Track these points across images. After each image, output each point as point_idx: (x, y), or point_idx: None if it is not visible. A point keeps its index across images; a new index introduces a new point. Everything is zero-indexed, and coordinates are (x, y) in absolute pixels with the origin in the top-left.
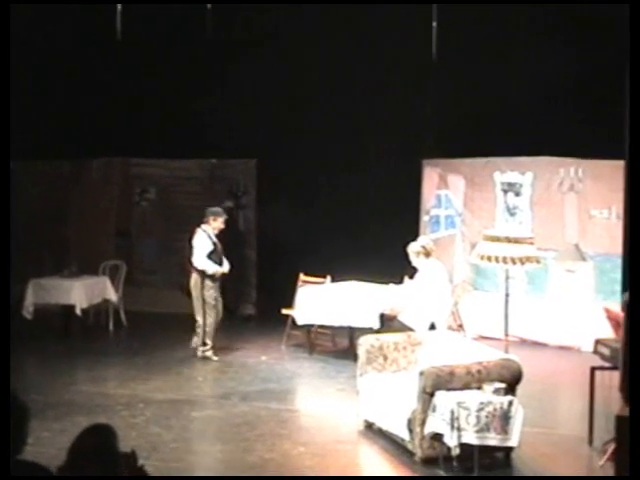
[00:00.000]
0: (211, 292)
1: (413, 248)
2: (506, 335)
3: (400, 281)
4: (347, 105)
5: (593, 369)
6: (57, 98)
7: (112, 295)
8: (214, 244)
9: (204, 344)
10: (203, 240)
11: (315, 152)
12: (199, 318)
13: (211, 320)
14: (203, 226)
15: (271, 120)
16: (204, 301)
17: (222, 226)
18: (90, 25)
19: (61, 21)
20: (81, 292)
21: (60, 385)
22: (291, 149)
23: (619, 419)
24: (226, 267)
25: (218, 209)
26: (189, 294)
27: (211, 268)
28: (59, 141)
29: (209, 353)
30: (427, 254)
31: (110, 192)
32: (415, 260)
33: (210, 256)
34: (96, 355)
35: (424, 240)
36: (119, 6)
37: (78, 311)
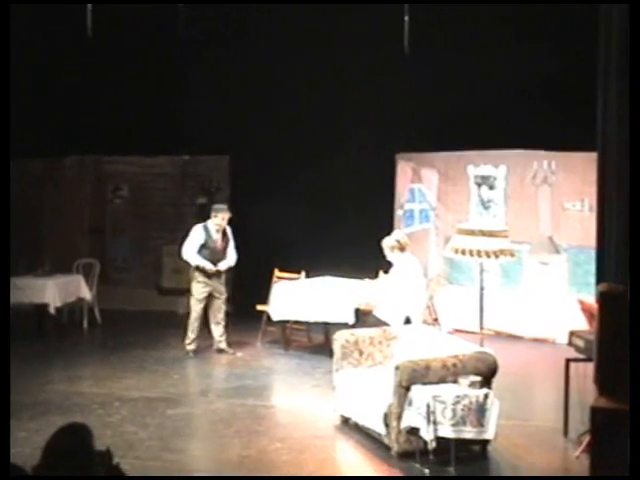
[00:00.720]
0: (198, 287)
1: (388, 243)
2: (481, 328)
3: (375, 276)
4: (320, 100)
5: (568, 361)
6: (28, 96)
7: (86, 293)
8: (208, 239)
9: (187, 337)
10: (196, 232)
11: (288, 148)
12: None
13: (195, 315)
14: (208, 221)
15: (244, 116)
16: (191, 294)
17: (222, 223)
18: (60, 22)
19: (30, 18)
20: (55, 291)
21: (35, 385)
22: (264, 145)
23: (594, 410)
24: (222, 266)
25: (220, 205)
26: (163, 292)
27: (194, 261)
28: (31, 139)
29: (190, 347)
30: (402, 248)
31: (83, 190)
32: (390, 255)
33: (201, 250)
34: (71, 354)
35: (398, 234)
36: (89, 5)
37: (52, 310)
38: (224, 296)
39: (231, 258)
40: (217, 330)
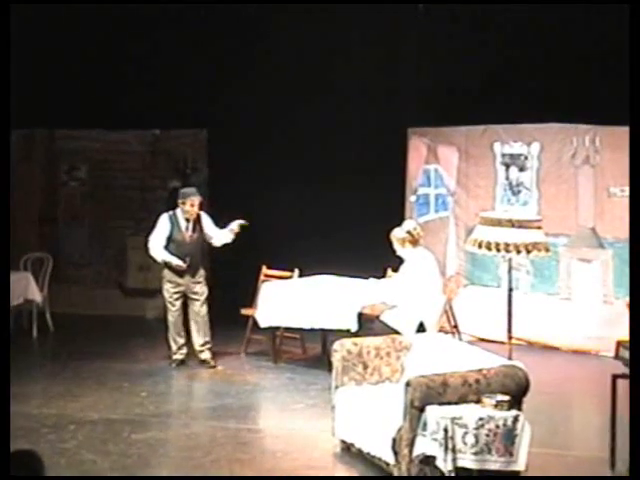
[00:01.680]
0: (168, 287)
1: (397, 235)
2: (509, 337)
3: (382, 274)
4: (317, 65)
5: (615, 377)
6: None
7: (36, 295)
8: (174, 230)
9: (170, 347)
10: (161, 223)
11: (278, 121)
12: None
13: (170, 320)
14: (177, 209)
15: (225, 82)
16: (163, 296)
17: (191, 210)
18: None
19: None
20: None
21: None
22: (250, 117)
23: None
24: (191, 262)
25: (187, 189)
26: (128, 292)
27: (159, 256)
28: None
29: (176, 356)
30: (414, 241)
31: (31, 171)
32: (400, 249)
33: (168, 244)
34: (16, 367)
35: (410, 225)
36: None
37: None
38: (203, 297)
39: (219, 237)
40: (197, 338)
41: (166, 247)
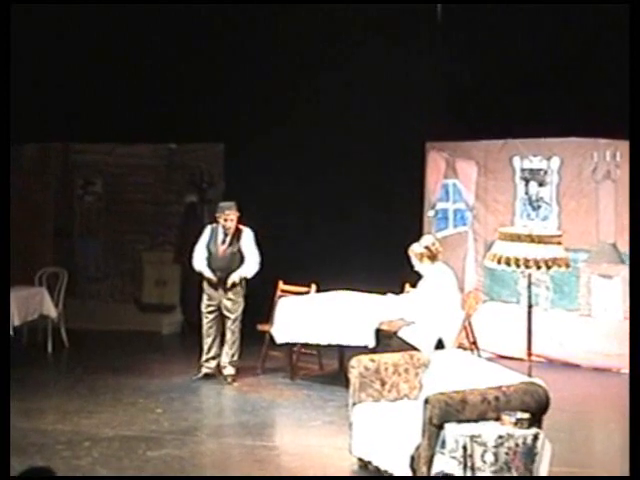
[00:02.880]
0: (203, 299)
1: (415, 250)
2: (529, 354)
3: (400, 290)
4: (335, 77)
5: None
6: None
7: (51, 310)
8: (210, 242)
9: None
10: (204, 233)
11: (296, 134)
12: None
13: (203, 332)
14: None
15: (242, 95)
16: None
17: (228, 225)
18: None
19: None
20: (13, 307)
21: None
22: (267, 131)
23: None
24: (234, 276)
25: (223, 204)
26: (144, 308)
27: (196, 266)
28: None
29: (202, 369)
30: (432, 257)
31: (47, 184)
32: (418, 264)
33: (208, 255)
34: (31, 383)
35: (428, 240)
36: None
37: (10, 330)
38: (235, 314)
39: (244, 269)
40: (224, 353)
41: (207, 258)
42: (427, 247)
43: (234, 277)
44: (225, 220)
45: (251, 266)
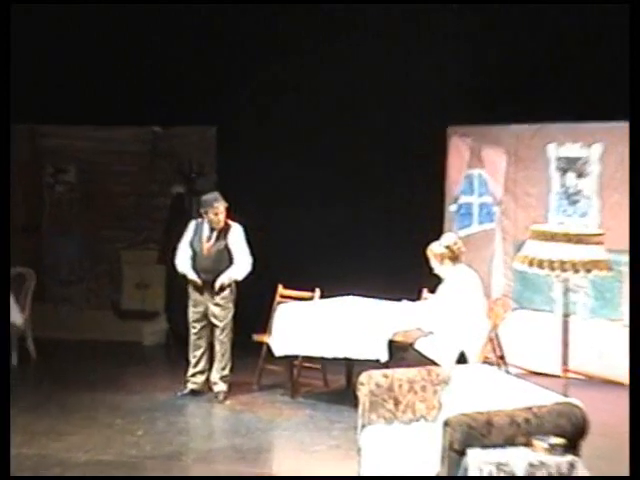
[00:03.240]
0: (189, 305)
1: (435, 250)
2: (565, 371)
3: (417, 296)
4: (341, 53)
5: None
6: None
7: (16, 317)
8: (194, 240)
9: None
10: (187, 230)
11: (299, 118)
12: None
13: (190, 342)
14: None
15: (238, 70)
16: None
17: (215, 219)
18: None
19: None
20: None
21: None
22: (266, 113)
23: None
24: (222, 278)
25: (208, 196)
26: (124, 314)
27: (179, 267)
28: None
29: (188, 384)
30: (454, 258)
31: (12, 173)
32: (438, 266)
33: (193, 255)
34: None
35: (450, 239)
36: None
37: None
38: (224, 322)
39: (234, 270)
40: (215, 369)
41: (192, 258)
42: (448, 247)
43: (222, 279)
44: (215, 214)
45: (241, 267)
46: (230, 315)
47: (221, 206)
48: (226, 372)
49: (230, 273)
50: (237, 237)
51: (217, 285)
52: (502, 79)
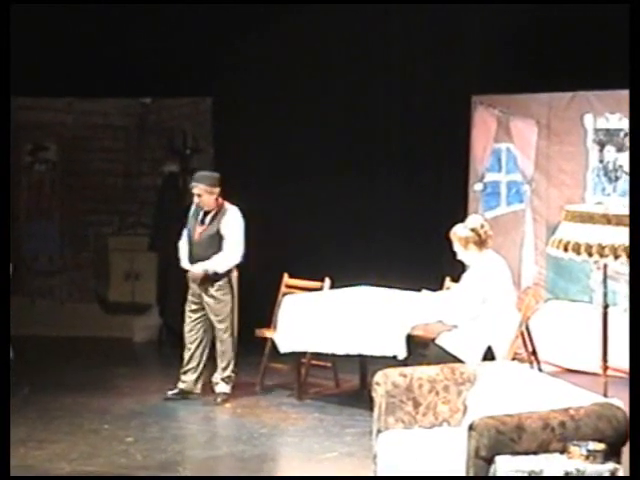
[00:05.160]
0: (187, 295)
1: (459, 233)
2: (605, 368)
3: (439, 286)
4: (353, 16)
5: None
6: None
7: None
8: (189, 222)
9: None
10: (189, 212)
11: (306, 87)
12: None
13: (185, 337)
14: None
15: (236, 34)
16: None
17: (199, 200)
18: None
19: None
20: None
21: None
22: (267, 82)
23: None
24: (197, 267)
25: (197, 174)
26: (111, 308)
27: (180, 256)
28: None
29: (179, 384)
30: (481, 243)
31: None
32: (462, 251)
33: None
34: None
35: (476, 221)
36: None
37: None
38: (221, 316)
39: (214, 260)
40: (218, 366)
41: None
42: (474, 230)
43: (197, 269)
44: (198, 195)
45: (224, 256)
46: (227, 309)
47: (196, 188)
48: (228, 372)
49: (207, 264)
50: (229, 222)
51: (191, 276)
52: (532, 42)
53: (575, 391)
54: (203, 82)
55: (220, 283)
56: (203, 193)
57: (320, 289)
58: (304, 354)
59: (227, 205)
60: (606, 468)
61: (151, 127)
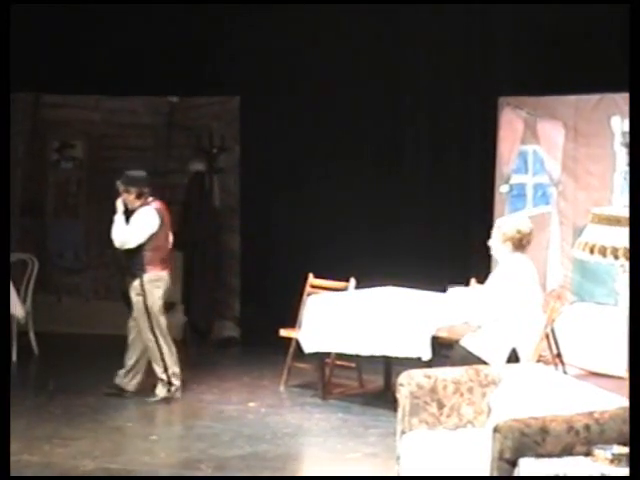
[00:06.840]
0: None
1: (504, 228)
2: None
3: (464, 286)
4: (379, 16)
5: None
6: None
7: (17, 308)
8: None
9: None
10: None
11: (333, 87)
12: None
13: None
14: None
15: (264, 34)
16: None
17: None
18: None
19: None
20: None
21: None
22: (296, 81)
23: None
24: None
25: (127, 173)
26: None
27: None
28: None
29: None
30: (518, 246)
31: (12, 147)
32: (498, 246)
33: None
34: None
35: (524, 224)
36: None
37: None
38: (136, 318)
39: (114, 229)
40: None
41: None
42: (520, 231)
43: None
44: (126, 198)
45: (119, 230)
46: (140, 303)
47: (119, 187)
48: (160, 375)
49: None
50: (134, 216)
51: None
52: (560, 43)
53: (600, 394)
54: (231, 81)
55: (134, 284)
56: (122, 192)
57: (345, 289)
58: (328, 354)
59: (146, 205)
60: None
61: (178, 125)
